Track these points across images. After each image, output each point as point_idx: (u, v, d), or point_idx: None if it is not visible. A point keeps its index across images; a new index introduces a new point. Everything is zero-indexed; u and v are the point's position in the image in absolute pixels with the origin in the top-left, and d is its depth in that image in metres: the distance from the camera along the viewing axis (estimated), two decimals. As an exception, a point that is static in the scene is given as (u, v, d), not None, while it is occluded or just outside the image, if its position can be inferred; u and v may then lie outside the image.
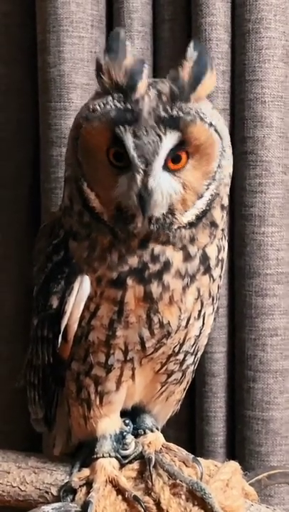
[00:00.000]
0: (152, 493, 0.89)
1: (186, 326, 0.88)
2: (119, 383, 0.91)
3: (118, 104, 0.78)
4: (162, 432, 1.01)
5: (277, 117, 1.24)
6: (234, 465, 0.95)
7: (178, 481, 0.89)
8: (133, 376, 0.91)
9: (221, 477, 0.92)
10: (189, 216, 0.83)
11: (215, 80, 0.83)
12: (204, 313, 0.90)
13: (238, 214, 1.27)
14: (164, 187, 0.80)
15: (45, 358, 0.94)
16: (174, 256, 0.84)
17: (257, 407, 1.26)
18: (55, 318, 0.88)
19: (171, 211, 0.82)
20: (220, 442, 1.31)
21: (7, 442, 1.08)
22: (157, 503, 0.88)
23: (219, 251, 0.89)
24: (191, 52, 0.79)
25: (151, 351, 0.89)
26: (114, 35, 0.80)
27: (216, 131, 0.82)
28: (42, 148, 1.33)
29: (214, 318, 0.95)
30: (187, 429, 1.36)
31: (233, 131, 1.27)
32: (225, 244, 0.91)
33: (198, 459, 0.94)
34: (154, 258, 0.83)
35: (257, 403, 1.26)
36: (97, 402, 0.92)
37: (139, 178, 0.78)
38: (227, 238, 0.94)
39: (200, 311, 0.89)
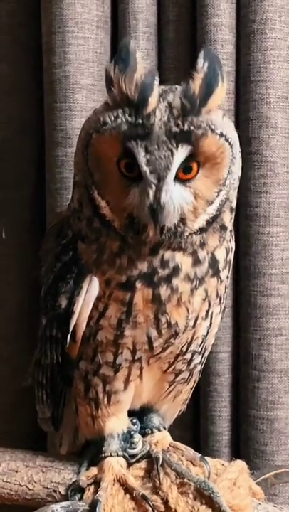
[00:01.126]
0: (160, 492, 0.89)
1: (193, 326, 0.89)
2: (127, 383, 0.91)
3: (129, 119, 0.77)
4: (168, 431, 1.01)
5: (282, 118, 1.24)
6: (241, 464, 0.95)
7: (185, 479, 0.90)
8: (141, 375, 0.91)
9: (229, 476, 0.92)
10: (200, 222, 0.84)
11: (225, 90, 0.81)
12: (212, 313, 0.90)
13: (243, 214, 1.27)
14: (176, 199, 0.80)
15: (54, 358, 0.94)
16: (184, 261, 0.85)
17: (262, 407, 1.26)
18: (64, 318, 0.89)
19: (182, 220, 0.82)
20: (225, 442, 1.32)
21: (10, 442, 1.08)
22: (165, 502, 0.88)
23: (228, 253, 0.89)
24: (202, 63, 0.78)
25: (159, 351, 0.89)
26: (123, 46, 0.78)
27: (226, 140, 0.82)
28: (47, 148, 1.34)
29: (221, 318, 0.95)
30: (192, 429, 1.37)
31: (238, 132, 1.27)
32: (233, 245, 0.91)
33: (206, 458, 0.94)
34: (164, 263, 0.84)
35: (262, 403, 1.26)
36: (105, 402, 0.92)
37: (151, 192, 0.78)
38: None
39: (207, 311, 0.89)
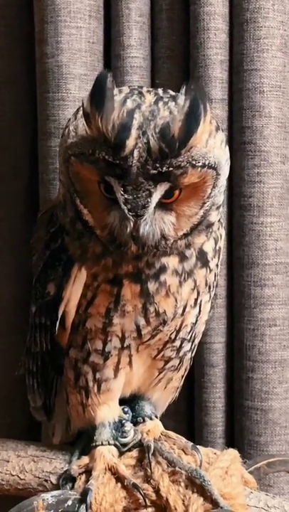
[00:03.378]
0: (151, 481, 0.89)
1: (182, 314, 0.89)
2: (116, 370, 0.91)
3: (106, 157, 0.75)
4: (161, 422, 1.01)
5: (275, 107, 1.24)
6: (233, 453, 0.95)
7: (177, 468, 0.89)
8: (130, 363, 0.91)
9: (220, 465, 0.92)
10: (184, 230, 0.83)
11: (208, 124, 0.79)
12: (201, 301, 0.90)
13: (236, 204, 1.27)
14: (157, 225, 0.80)
15: (44, 345, 0.94)
16: (170, 260, 0.85)
17: (256, 397, 1.26)
18: (53, 305, 0.89)
19: (163, 237, 0.82)
20: (219, 433, 1.31)
21: (5, 435, 1.07)
22: (156, 491, 0.88)
23: (216, 242, 0.89)
24: (182, 101, 0.75)
25: (147, 338, 0.89)
26: (100, 81, 0.75)
27: (209, 167, 0.79)
28: (40, 139, 1.33)
29: (212, 306, 0.95)
30: (186, 420, 1.37)
31: (231, 121, 1.27)
32: (222, 232, 0.91)
33: (198, 446, 0.94)
34: (150, 265, 0.84)
35: (256, 393, 1.26)
36: (95, 390, 0.92)
37: (130, 224, 0.78)
38: (224, 225, 0.94)
39: (196, 299, 0.89)
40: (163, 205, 0.79)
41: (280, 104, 1.24)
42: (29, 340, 1.00)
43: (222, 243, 0.91)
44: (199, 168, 0.78)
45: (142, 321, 0.87)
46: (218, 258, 0.90)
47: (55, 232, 0.90)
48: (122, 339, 0.88)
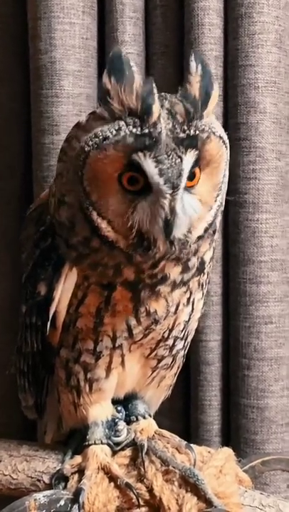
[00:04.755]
0: (145, 480, 0.88)
1: (175, 312, 0.88)
2: (108, 370, 0.90)
3: (134, 130, 0.74)
4: (157, 421, 1.00)
5: (270, 103, 1.23)
6: (228, 451, 0.94)
7: (171, 467, 0.89)
8: (123, 363, 0.90)
9: (215, 463, 0.91)
10: (200, 230, 0.82)
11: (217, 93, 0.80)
12: (193, 299, 0.90)
13: (231, 201, 1.26)
14: (187, 208, 0.79)
15: (34, 345, 0.93)
16: (173, 270, 0.84)
17: (252, 395, 1.25)
18: (44, 305, 0.88)
19: (189, 230, 0.81)
20: (215, 431, 1.31)
21: (1, 434, 1.07)
22: (150, 490, 0.88)
23: (213, 251, 0.90)
24: (195, 66, 0.76)
25: (139, 337, 0.88)
26: (115, 56, 0.75)
27: (224, 143, 0.82)
28: (34, 136, 1.32)
29: (204, 302, 0.94)
30: (182, 419, 1.36)
31: (226, 117, 1.26)
32: (215, 237, 0.91)
33: (192, 445, 0.93)
34: (153, 275, 0.83)
35: (252, 391, 1.25)
36: (87, 390, 0.91)
37: (166, 202, 0.76)
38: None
39: (188, 299, 0.89)
40: (187, 190, 0.79)
41: (275, 99, 1.23)
42: (20, 339, 0.99)
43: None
44: (218, 139, 0.80)
45: (133, 321, 0.86)
46: (211, 262, 0.91)
47: (45, 230, 0.88)
48: (114, 339, 0.87)
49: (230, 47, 1.24)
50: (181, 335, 0.92)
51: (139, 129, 0.74)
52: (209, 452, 0.94)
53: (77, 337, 0.88)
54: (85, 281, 0.85)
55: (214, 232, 0.87)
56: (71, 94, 1.28)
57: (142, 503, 0.87)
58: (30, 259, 0.91)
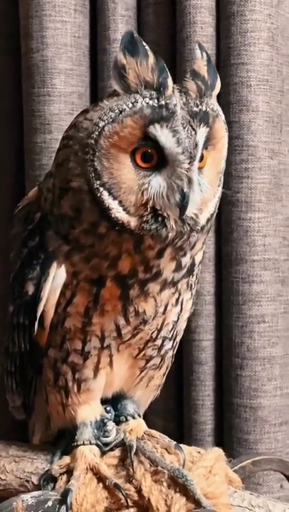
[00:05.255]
0: (134, 481, 0.88)
1: (163, 313, 0.88)
2: (96, 370, 0.90)
3: (150, 102, 0.76)
4: (150, 421, 1.00)
5: (263, 101, 1.22)
6: (217, 451, 0.94)
7: (159, 467, 0.88)
8: (111, 363, 0.90)
9: (204, 464, 0.90)
10: (205, 218, 0.84)
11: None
12: (182, 300, 0.89)
13: (224, 200, 1.25)
14: (200, 183, 0.81)
15: (22, 345, 0.93)
16: (167, 266, 0.83)
17: (245, 395, 1.25)
18: (31, 305, 0.87)
19: (198, 210, 0.82)
20: (208, 431, 1.30)
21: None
22: (138, 491, 0.87)
23: (203, 253, 0.91)
24: (200, 53, 0.81)
25: (128, 338, 0.88)
26: (128, 35, 0.77)
27: (225, 128, 0.85)
28: (26, 135, 1.32)
29: (193, 302, 0.94)
30: (175, 418, 1.36)
31: (218, 116, 1.26)
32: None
33: (181, 445, 0.93)
34: (148, 268, 0.83)
35: (245, 391, 1.25)
36: (75, 390, 0.91)
37: (184, 172, 0.78)
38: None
39: (177, 299, 0.89)
40: (198, 170, 0.81)
41: (267, 98, 1.22)
42: (7, 339, 0.98)
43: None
44: (222, 122, 0.84)
45: (121, 321, 0.86)
46: (200, 263, 0.91)
47: (32, 229, 0.88)
48: (102, 339, 0.87)
49: (223, 45, 1.24)
50: (170, 335, 0.91)
51: (156, 101, 0.76)
52: (199, 452, 0.94)
53: (65, 337, 0.88)
54: (73, 279, 0.85)
55: (209, 230, 0.87)
56: (63, 92, 1.28)
57: (130, 503, 0.87)
58: (18, 258, 0.91)
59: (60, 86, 1.28)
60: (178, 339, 0.95)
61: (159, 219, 0.79)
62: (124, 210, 0.79)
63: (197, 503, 0.85)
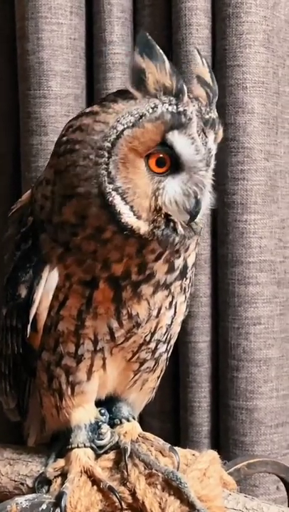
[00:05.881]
0: (128, 483, 0.88)
1: (157, 316, 0.88)
2: (90, 373, 0.90)
3: (169, 108, 0.77)
4: (146, 423, 1.00)
5: (258, 103, 1.22)
6: (212, 454, 0.94)
7: (154, 470, 0.88)
8: (104, 366, 0.90)
9: (198, 466, 0.90)
10: (203, 221, 0.85)
11: None
12: (176, 303, 0.89)
13: (220, 202, 1.25)
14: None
15: (15, 348, 0.93)
16: (160, 268, 0.84)
17: (241, 397, 1.25)
18: (24, 308, 0.87)
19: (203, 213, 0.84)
20: (204, 432, 1.30)
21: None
22: (133, 493, 0.87)
23: (196, 256, 0.91)
24: (201, 59, 0.83)
25: (121, 341, 0.88)
26: (144, 38, 0.77)
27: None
28: (22, 137, 1.32)
29: (187, 305, 0.94)
30: (171, 420, 1.36)
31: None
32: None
33: (176, 448, 0.93)
34: (141, 269, 0.83)
35: (241, 392, 1.25)
36: (69, 393, 0.91)
37: (201, 180, 0.80)
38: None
39: (171, 302, 0.89)
40: None
41: (263, 100, 1.23)
42: (0, 342, 0.98)
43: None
44: (221, 129, 0.84)
45: (114, 324, 0.86)
46: (193, 267, 0.91)
47: (25, 232, 0.88)
48: (95, 342, 0.87)
49: (218, 47, 1.24)
50: (164, 338, 0.91)
51: (174, 107, 0.77)
52: (194, 455, 0.94)
53: (59, 340, 0.88)
54: (66, 282, 0.84)
55: (200, 232, 0.88)
56: (59, 94, 1.28)
57: (124, 506, 0.87)
58: (11, 260, 0.91)
59: (56, 88, 1.27)
60: (172, 342, 0.95)
61: (171, 224, 0.80)
62: (134, 215, 0.79)
63: (191, 506, 0.85)
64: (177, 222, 0.80)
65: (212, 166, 0.82)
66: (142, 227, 0.79)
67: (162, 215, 0.80)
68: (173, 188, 0.79)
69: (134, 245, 0.80)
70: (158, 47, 0.77)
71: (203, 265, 1.28)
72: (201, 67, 0.82)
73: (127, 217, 0.79)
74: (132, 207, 0.79)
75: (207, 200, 0.83)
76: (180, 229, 0.80)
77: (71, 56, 1.29)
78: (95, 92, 1.32)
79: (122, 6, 1.29)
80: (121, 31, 1.29)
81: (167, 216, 0.80)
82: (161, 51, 0.77)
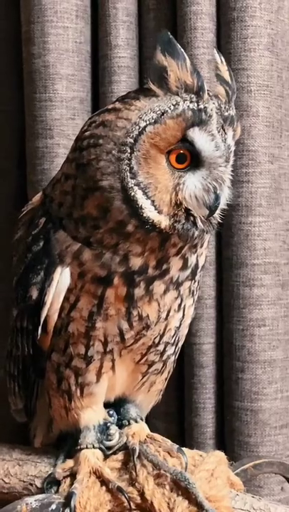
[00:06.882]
0: (136, 484, 0.89)
1: (166, 318, 0.89)
2: (99, 375, 0.90)
3: (190, 105, 0.79)
4: (151, 424, 1.01)
5: (263, 106, 1.23)
6: (219, 455, 0.95)
7: (162, 471, 0.89)
8: (113, 367, 0.90)
9: (206, 467, 0.91)
10: (219, 216, 0.86)
11: None
12: (184, 305, 0.90)
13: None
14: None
15: (25, 349, 0.93)
16: (175, 264, 0.85)
17: (246, 398, 1.26)
18: (35, 309, 0.88)
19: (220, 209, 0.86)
20: (209, 434, 1.31)
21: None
22: (141, 494, 0.88)
23: (205, 258, 0.92)
24: (219, 57, 0.85)
25: (131, 342, 0.88)
26: (165, 37, 0.79)
27: None
28: (27, 140, 1.32)
29: (195, 309, 0.95)
30: (176, 421, 1.36)
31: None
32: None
33: (183, 449, 0.93)
34: (159, 265, 0.84)
35: (245, 394, 1.25)
36: (78, 394, 0.91)
37: (220, 176, 0.82)
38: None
39: (180, 305, 0.89)
40: None
41: (267, 103, 1.23)
42: (10, 343, 0.99)
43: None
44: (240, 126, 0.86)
45: (125, 325, 0.86)
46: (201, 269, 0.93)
47: (37, 234, 0.88)
48: (105, 343, 0.88)
49: (223, 51, 1.24)
50: (172, 340, 0.92)
51: (195, 104, 0.79)
52: (201, 456, 0.95)
53: (69, 341, 0.88)
54: (78, 282, 0.85)
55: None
56: (65, 98, 1.28)
57: (133, 506, 0.88)
58: (22, 262, 0.91)
59: (62, 91, 1.28)
60: (180, 344, 0.96)
61: (191, 218, 0.82)
62: (155, 209, 0.81)
63: (199, 506, 0.86)
64: (197, 216, 0.82)
65: (231, 161, 0.84)
66: (163, 221, 0.81)
67: (182, 210, 0.81)
68: (193, 183, 0.81)
69: (156, 239, 0.82)
70: (179, 46, 0.79)
71: (208, 267, 1.28)
72: (220, 65, 0.84)
73: (149, 211, 0.80)
74: (153, 201, 0.81)
75: (226, 196, 0.85)
76: (199, 223, 0.82)
77: (77, 60, 1.30)
78: (100, 96, 1.32)
79: (127, 9, 1.30)
80: (126, 35, 1.30)
81: (187, 211, 0.81)
82: (182, 50, 0.79)
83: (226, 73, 0.84)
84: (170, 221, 0.81)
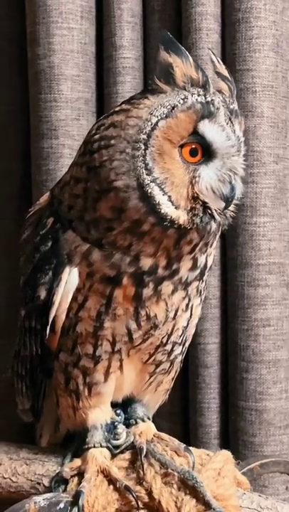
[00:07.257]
0: (144, 483, 0.89)
1: (173, 318, 0.89)
2: (107, 374, 0.90)
3: (198, 98, 0.80)
4: (156, 424, 1.01)
5: (268, 107, 1.23)
6: (226, 454, 0.95)
7: (169, 470, 0.89)
8: (121, 367, 0.91)
9: (213, 466, 0.91)
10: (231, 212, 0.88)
11: None
12: (192, 305, 0.91)
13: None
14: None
15: (33, 349, 0.93)
16: (186, 264, 0.85)
17: (250, 398, 1.26)
18: (43, 309, 0.88)
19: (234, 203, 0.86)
20: (213, 433, 1.31)
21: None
22: (149, 493, 0.88)
23: (213, 259, 0.93)
24: (216, 60, 0.87)
25: (138, 342, 0.89)
26: (166, 36, 0.81)
27: None
28: (32, 140, 1.33)
29: (202, 308, 0.95)
30: (181, 421, 1.36)
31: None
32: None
33: (190, 448, 0.94)
34: (169, 265, 0.84)
35: (250, 394, 1.26)
36: (86, 393, 0.92)
37: (234, 166, 0.83)
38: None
39: (187, 305, 0.90)
40: None
41: (272, 104, 1.24)
42: (18, 343, 0.99)
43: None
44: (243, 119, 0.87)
45: (133, 325, 0.87)
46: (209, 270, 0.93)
47: (45, 234, 0.89)
48: (113, 343, 0.88)
49: (228, 51, 1.25)
50: (180, 340, 0.92)
51: (203, 97, 0.81)
52: (208, 455, 0.95)
53: (77, 341, 0.88)
54: (87, 282, 0.85)
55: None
56: (70, 98, 1.29)
57: (141, 505, 0.88)
58: (30, 262, 0.92)
59: (67, 92, 1.29)
60: (187, 344, 0.96)
61: (208, 212, 0.82)
62: (172, 205, 0.81)
63: (207, 505, 0.86)
64: (213, 209, 0.82)
65: (243, 151, 0.85)
66: (182, 216, 0.81)
67: (200, 203, 0.82)
68: (208, 174, 0.82)
69: (172, 237, 0.82)
70: (179, 43, 0.81)
71: (213, 267, 1.28)
72: (218, 64, 0.86)
73: (166, 207, 0.81)
74: (170, 197, 0.81)
75: (240, 187, 0.85)
76: (217, 216, 0.83)
77: (81, 60, 1.30)
78: (105, 96, 1.33)
79: (132, 10, 1.30)
80: (131, 36, 1.30)
81: (204, 204, 0.82)
82: (182, 47, 0.81)
83: (224, 71, 0.86)
84: (188, 215, 0.82)
